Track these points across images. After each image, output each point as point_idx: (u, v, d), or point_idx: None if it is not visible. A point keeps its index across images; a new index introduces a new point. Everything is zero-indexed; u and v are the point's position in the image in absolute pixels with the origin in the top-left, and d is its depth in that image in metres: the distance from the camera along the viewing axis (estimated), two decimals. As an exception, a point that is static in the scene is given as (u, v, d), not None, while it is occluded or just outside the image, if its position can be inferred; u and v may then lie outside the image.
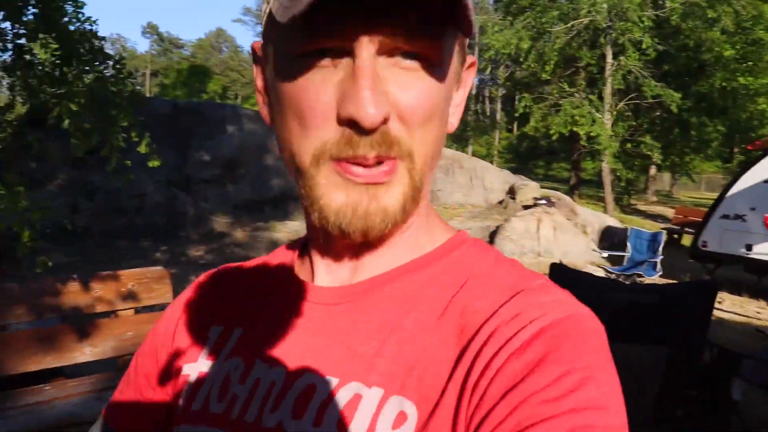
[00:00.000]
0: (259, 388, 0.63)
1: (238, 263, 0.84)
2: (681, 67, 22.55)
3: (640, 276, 8.87)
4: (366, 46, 0.52)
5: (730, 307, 8.53)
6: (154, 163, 4.98)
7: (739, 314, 8.17)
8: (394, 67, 0.54)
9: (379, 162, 0.55)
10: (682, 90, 20.33)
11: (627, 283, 7.88)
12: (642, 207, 25.39)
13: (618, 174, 21.98)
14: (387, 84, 0.54)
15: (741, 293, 9.19)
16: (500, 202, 13.82)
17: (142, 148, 4.89)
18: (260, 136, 12.72)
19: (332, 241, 0.65)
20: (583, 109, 19.10)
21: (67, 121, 4.62)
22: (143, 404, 0.78)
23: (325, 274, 0.67)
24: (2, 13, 4.93)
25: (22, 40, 5.08)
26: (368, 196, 0.56)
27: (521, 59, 20.57)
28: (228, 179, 12.46)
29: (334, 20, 0.51)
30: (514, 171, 29.59)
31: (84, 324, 3.36)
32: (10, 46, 5.19)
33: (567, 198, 13.37)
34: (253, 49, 0.65)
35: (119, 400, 0.81)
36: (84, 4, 5.08)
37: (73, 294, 3.37)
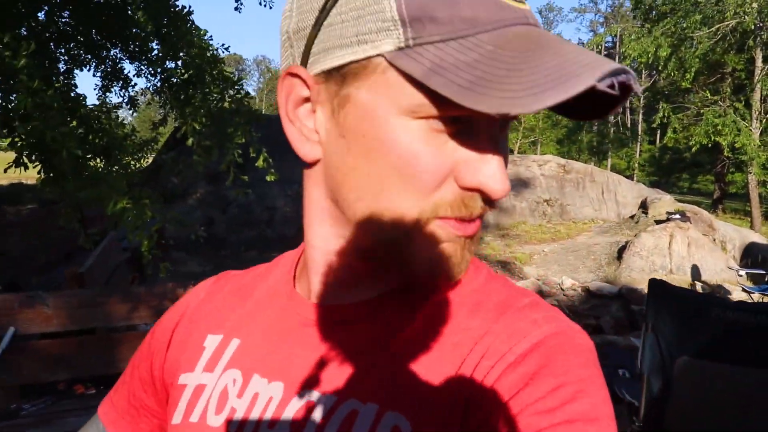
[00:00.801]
0: (257, 402, 0.64)
1: (240, 271, 0.86)
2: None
3: (781, 297, 8.23)
4: (496, 119, 0.54)
5: None
6: (271, 177, 5.28)
7: None
8: (503, 132, 0.57)
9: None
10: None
11: (755, 302, 7.35)
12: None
13: (768, 186, 20.48)
14: (503, 151, 0.56)
15: None
16: (632, 217, 13.29)
17: (260, 163, 5.20)
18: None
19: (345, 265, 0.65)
20: (727, 118, 17.97)
21: (191, 140, 5.03)
22: (136, 407, 0.81)
23: (322, 291, 0.68)
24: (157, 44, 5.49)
25: (171, 64, 5.60)
26: (467, 248, 0.58)
27: (660, 67, 19.67)
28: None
29: None
30: (656, 184, 28.33)
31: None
32: (159, 70, 5.74)
33: (704, 212, 12.62)
34: (292, 74, 0.60)
35: (114, 400, 0.84)
36: (206, 31, 5.53)
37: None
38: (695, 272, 9.84)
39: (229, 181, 5.01)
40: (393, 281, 0.65)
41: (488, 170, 0.53)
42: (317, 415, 0.59)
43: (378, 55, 0.52)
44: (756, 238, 12.50)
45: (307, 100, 0.60)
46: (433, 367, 0.58)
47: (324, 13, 0.55)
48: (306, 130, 0.60)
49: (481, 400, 0.54)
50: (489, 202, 0.55)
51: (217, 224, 10.88)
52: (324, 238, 0.66)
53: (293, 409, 0.61)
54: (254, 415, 0.63)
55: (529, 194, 15.46)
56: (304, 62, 0.58)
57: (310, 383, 0.62)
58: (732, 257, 11.15)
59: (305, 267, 0.71)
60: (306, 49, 0.57)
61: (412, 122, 0.52)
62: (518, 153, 34.25)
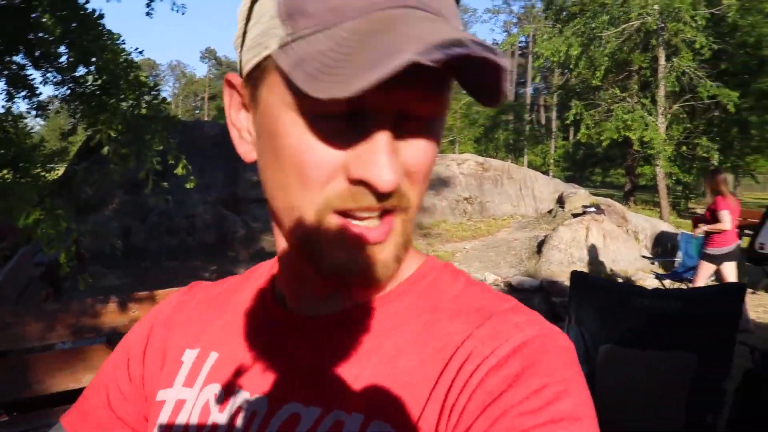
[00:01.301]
0: (240, 417, 0.63)
1: (210, 282, 0.85)
2: (739, 65, 21.88)
3: (691, 282, 8.65)
4: (384, 111, 0.52)
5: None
6: (190, 185, 5.17)
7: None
8: (405, 126, 0.55)
9: (379, 217, 0.56)
10: (741, 88, 19.69)
11: (670, 288, 7.70)
12: (702, 211, 24.63)
13: (675, 178, 21.44)
14: (399, 145, 0.55)
15: (800, 296, 8.88)
16: (549, 212, 13.68)
17: (179, 170, 5.09)
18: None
19: (310, 275, 0.63)
20: (636, 114, 18.74)
21: (106, 148, 4.86)
22: (112, 416, 0.77)
23: (301, 302, 0.67)
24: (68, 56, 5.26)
25: (80, 71, 5.39)
26: (369, 255, 0.56)
27: (571, 66, 20.33)
28: (278, 198, 12.74)
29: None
30: (571, 179, 29.24)
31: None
32: (68, 77, 5.50)
33: (617, 204, 13.13)
34: (228, 81, 0.63)
35: (82, 410, 0.80)
36: (120, 35, 5.35)
37: (111, 314, 3.53)
38: (611, 263, 10.20)
39: (149, 189, 4.88)
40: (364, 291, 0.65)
41: (373, 163, 0.52)
42: (303, 427, 0.59)
43: (269, 56, 0.54)
44: (665, 227, 13.08)
45: (244, 104, 0.63)
46: (416, 373, 0.58)
47: (246, 21, 0.58)
48: (243, 132, 0.63)
49: (466, 404, 0.54)
50: (380, 196, 0.54)
51: (135, 234, 10.59)
52: (279, 244, 0.67)
53: (278, 421, 0.61)
54: (238, 429, 0.62)
55: (449, 193, 15.69)
56: (241, 69, 0.61)
57: (293, 395, 0.62)
58: (644, 246, 11.63)
59: (279, 276, 0.72)
60: (239, 57, 0.61)
61: (303, 118, 0.53)
62: (437, 153, 34.83)
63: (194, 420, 0.66)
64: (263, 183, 0.61)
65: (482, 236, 13.55)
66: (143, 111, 5.32)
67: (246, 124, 0.63)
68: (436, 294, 0.65)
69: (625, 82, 22.08)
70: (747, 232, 12.82)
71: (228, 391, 0.66)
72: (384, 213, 0.56)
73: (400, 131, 0.54)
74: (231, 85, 0.63)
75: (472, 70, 0.49)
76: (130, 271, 9.57)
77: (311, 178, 0.54)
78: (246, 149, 0.63)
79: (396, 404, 0.57)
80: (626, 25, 18.89)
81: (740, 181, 31.29)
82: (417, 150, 0.56)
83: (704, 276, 7.43)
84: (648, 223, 12.79)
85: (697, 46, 17.55)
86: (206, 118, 52.74)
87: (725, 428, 3.56)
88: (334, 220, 0.55)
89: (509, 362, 0.55)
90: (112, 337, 3.53)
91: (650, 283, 9.03)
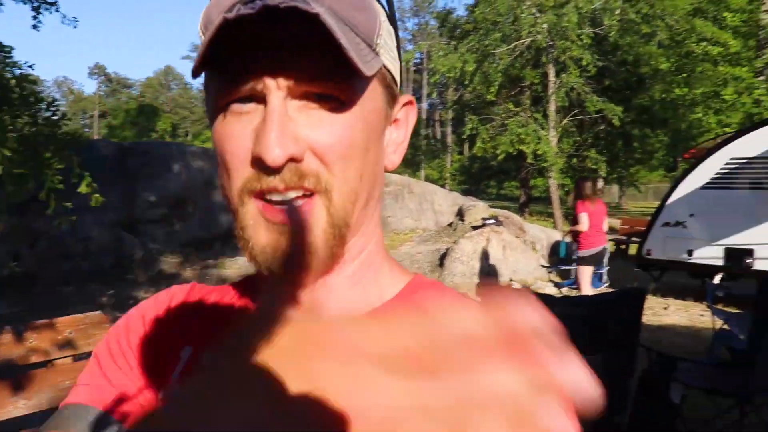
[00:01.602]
0: None
1: (210, 286, 0.81)
2: (621, 82, 23.18)
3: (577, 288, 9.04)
4: (275, 92, 0.56)
5: (674, 311, 8.76)
6: (97, 201, 4.94)
7: (684, 318, 8.40)
8: (306, 109, 0.57)
9: (297, 199, 0.58)
10: (624, 104, 20.83)
11: (563, 296, 8.01)
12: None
13: (566, 189, 22.40)
14: (298, 125, 0.57)
15: (686, 298, 9.43)
16: (450, 225, 13.96)
17: (83, 188, 4.84)
18: (208, 172, 12.68)
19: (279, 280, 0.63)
20: (529, 128, 19.46)
21: (0, 168, 4.57)
22: (129, 387, 0.72)
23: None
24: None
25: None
26: (289, 238, 0.57)
27: (466, 82, 20.90)
28: (176, 218, 12.36)
29: (244, 71, 0.56)
30: (467, 192, 29.95)
31: (18, 376, 3.30)
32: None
33: (515, 216, 13.56)
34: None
35: (93, 386, 0.73)
36: (12, 48, 5.06)
37: (5, 346, 3.32)
38: (512, 273, 10.50)
39: (50, 211, 4.60)
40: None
41: (261, 138, 0.55)
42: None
43: None
44: (559, 236, 13.62)
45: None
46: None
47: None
48: None
49: None
50: (279, 174, 0.56)
51: (25, 260, 9.99)
52: None
53: None
54: None
55: (352, 208, 15.67)
56: None
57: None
58: (541, 256, 12.05)
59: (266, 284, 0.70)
60: None
61: (220, 110, 0.59)
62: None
63: None
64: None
65: (386, 250, 13.60)
66: (41, 128, 5.03)
67: None
68: (422, 312, 0.64)
69: (518, 97, 22.94)
70: (635, 239, 13.55)
71: None
72: (305, 197, 0.58)
73: (303, 113, 0.58)
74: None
75: (311, 32, 0.53)
76: (21, 298, 9.02)
77: (231, 165, 0.59)
78: None
79: None
80: (518, 42, 19.62)
81: (625, 191, 33.03)
82: (321, 129, 0.58)
83: (586, 279, 7.82)
84: (543, 234, 13.27)
85: (584, 63, 18.46)
86: (96, 137, 50.69)
87: (627, 427, 3.72)
88: (251, 203, 0.58)
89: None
90: (5, 370, 3.32)
91: (550, 291, 9.37)
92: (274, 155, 0.54)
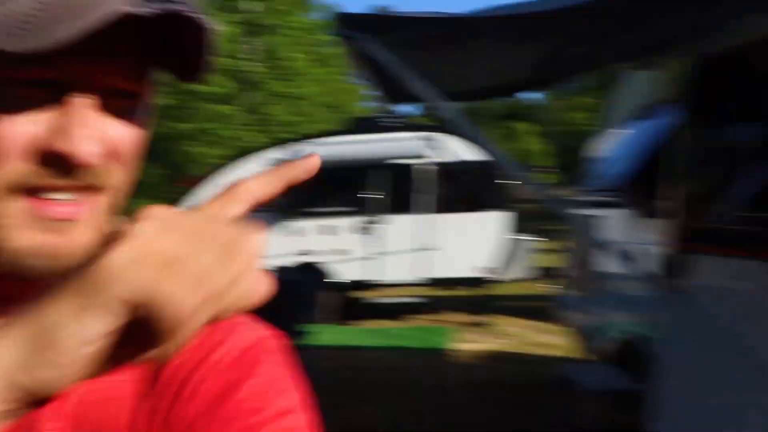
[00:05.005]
0: None
1: None
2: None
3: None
4: (85, 83, 0.50)
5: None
6: None
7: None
8: (110, 105, 0.52)
9: (78, 197, 0.52)
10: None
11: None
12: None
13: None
14: (104, 122, 0.52)
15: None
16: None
17: None
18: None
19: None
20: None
21: None
22: None
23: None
24: None
25: None
26: (61, 235, 0.51)
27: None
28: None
29: (52, 53, 0.45)
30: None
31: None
32: None
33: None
34: None
35: None
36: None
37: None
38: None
39: None
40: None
41: (68, 133, 0.49)
42: None
43: None
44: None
45: None
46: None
47: None
48: None
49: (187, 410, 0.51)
50: (76, 172, 0.50)
51: None
52: None
53: None
54: None
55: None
56: None
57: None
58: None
59: None
60: None
61: (4, 86, 0.49)
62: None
63: None
64: None
65: None
66: None
67: None
68: None
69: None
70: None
71: None
72: (82, 192, 0.52)
73: (107, 107, 0.52)
74: None
75: (175, 35, 0.51)
76: None
77: (2, 151, 0.49)
78: None
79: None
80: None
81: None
82: (123, 129, 0.54)
83: None
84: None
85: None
86: None
87: None
88: (15, 201, 0.50)
89: (230, 369, 0.53)
90: None
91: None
92: (88, 154, 0.49)
